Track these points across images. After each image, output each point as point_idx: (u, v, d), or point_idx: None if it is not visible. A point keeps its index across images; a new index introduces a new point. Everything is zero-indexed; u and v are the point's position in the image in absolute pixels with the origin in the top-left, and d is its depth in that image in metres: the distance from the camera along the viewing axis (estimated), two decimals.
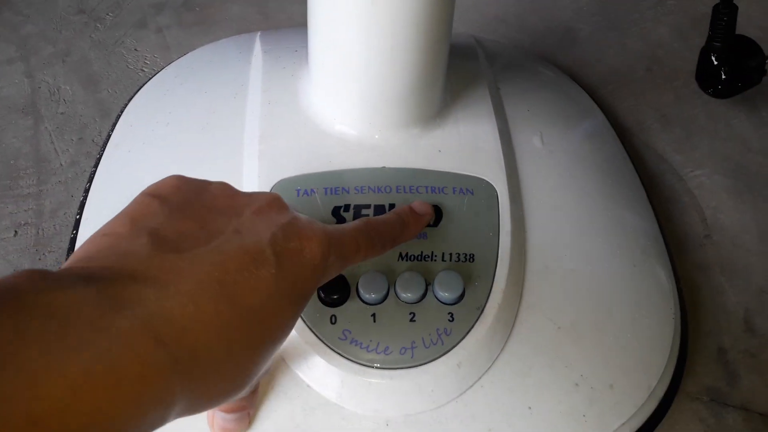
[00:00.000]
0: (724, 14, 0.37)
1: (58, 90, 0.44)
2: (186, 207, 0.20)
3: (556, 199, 0.33)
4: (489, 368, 0.27)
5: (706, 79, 0.39)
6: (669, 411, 0.29)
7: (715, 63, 0.38)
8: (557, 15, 0.51)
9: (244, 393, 0.21)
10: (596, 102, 0.43)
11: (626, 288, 0.31)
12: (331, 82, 0.31)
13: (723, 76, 0.38)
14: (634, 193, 0.36)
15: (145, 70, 0.45)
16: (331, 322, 0.27)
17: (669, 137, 0.43)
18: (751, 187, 0.40)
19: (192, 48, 0.45)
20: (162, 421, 0.16)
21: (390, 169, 0.31)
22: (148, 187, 0.21)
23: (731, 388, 0.32)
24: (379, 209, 0.30)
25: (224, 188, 0.22)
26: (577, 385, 0.28)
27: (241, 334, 0.18)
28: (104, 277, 0.16)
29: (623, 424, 0.28)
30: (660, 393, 0.29)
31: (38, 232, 0.36)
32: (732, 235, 0.38)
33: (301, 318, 0.27)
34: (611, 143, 0.39)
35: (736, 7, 0.37)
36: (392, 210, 0.28)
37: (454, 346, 0.27)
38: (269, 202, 0.21)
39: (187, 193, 0.21)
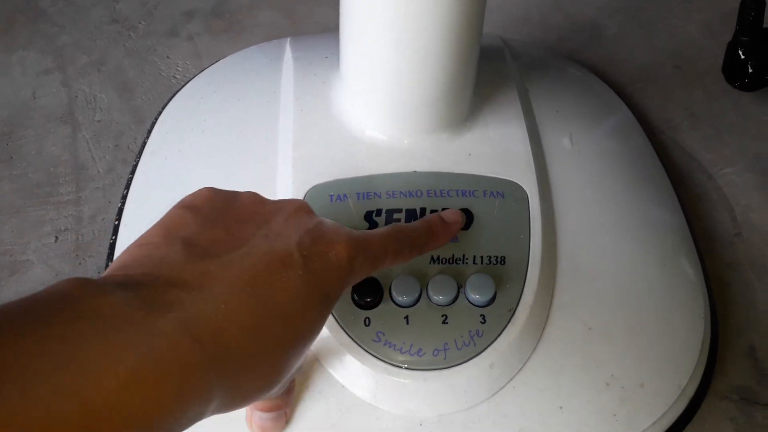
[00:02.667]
0: (752, 8, 0.36)
1: (94, 98, 0.45)
2: (217, 216, 0.21)
3: (586, 200, 0.33)
4: (521, 369, 0.28)
5: (732, 72, 0.39)
6: (699, 410, 0.29)
7: (743, 57, 0.38)
8: (582, 13, 0.51)
9: (277, 391, 0.21)
10: (624, 100, 0.43)
11: (656, 287, 0.31)
12: (362, 88, 0.32)
13: (750, 70, 0.38)
14: (663, 193, 0.36)
15: (178, 77, 0.46)
16: (365, 324, 0.28)
17: (698, 135, 0.42)
18: None
19: (222, 55, 0.46)
20: (200, 416, 0.17)
21: (421, 173, 0.32)
22: (182, 200, 0.22)
23: (761, 387, 0.32)
24: (411, 213, 0.30)
25: (253, 197, 0.23)
26: (607, 384, 0.28)
27: (272, 333, 0.19)
28: (143, 283, 0.17)
29: (654, 423, 0.28)
30: (690, 392, 0.29)
31: (78, 238, 0.38)
32: (763, 233, 0.37)
33: (336, 320, 0.28)
34: (640, 142, 0.39)
35: (764, 2, 0.37)
36: (422, 218, 0.28)
37: (486, 348, 0.27)
38: (297, 209, 0.22)
39: (217, 203, 0.22)
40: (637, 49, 0.48)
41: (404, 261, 0.25)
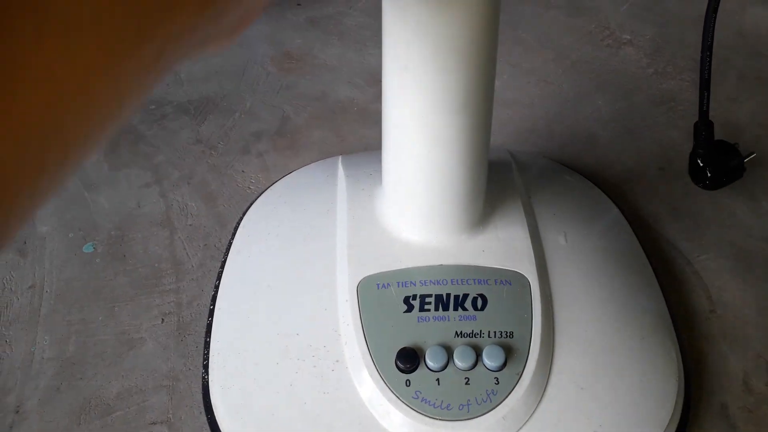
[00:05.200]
0: (703, 129, 0.47)
1: (186, 206, 0.56)
2: None
3: (578, 287, 0.42)
4: (527, 420, 0.36)
5: (696, 176, 0.49)
6: None
7: (701, 164, 0.47)
8: (580, 124, 0.61)
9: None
10: (615, 198, 0.52)
11: (637, 356, 0.39)
12: (399, 202, 0.42)
13: (709, 174, 0.47)
14: (645, 279, 0.45)
15: (252, 187, 0.58)
16: (406, 385, 0.36)
17: (679, 227, 0.51)
18: (751, 268, 0.48)
19: (286, 167, 0.57)
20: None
21: (446, 266, 0.41)
22: None
23: None
24: (439, 298, 0.40)
25: None
26: None
27: None
28: None
29: None
30: None
31: (179, 320, 0.48)
32: (734, 309, 0.45)
33: (384, 382, 0.37)
34: (626, 236, 0.48)
35: (712, 123, 0.47)
36: None
37: (499, 403, 0.36)
38: None
39: None
40: (626, 154, 0.57)
41: None
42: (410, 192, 0.41)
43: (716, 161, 0.48)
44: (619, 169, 0.56)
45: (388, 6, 0.35)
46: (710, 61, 0.47)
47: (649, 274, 0.45)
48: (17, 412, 0.43)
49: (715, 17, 0.45)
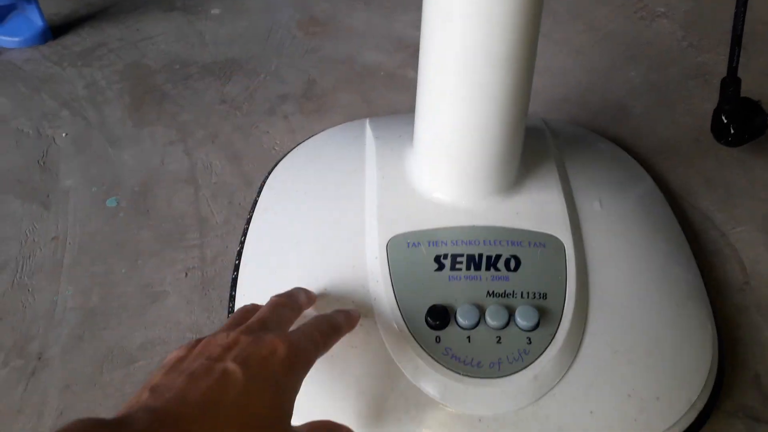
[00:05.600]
0: (730, 85, 0.46)
1: (210, 165, 0.56)
2: (178, 363, 0.28)
3: (612, 251, 0.41)
4: (559, 381, 0.35)
5: (718, 132, 0.48)
6: (708, 423, 0.36)
7: (725, 121, 0.46)
8: (613, 95, 0.60)
9: None
10: (648, 169, 0.51)
11: (671, 322, 0.38)
12: (432, 161, 0.41)
13: (732, 131, 0.46)
14: (678, 246, 0.44)
15: (276, 149, 0.57)
16: (436, 342, 0.36)
17: (713, 198, 0.50)
18: None
19: (312, 131, 0.56)
20: None
21: (478, 227, 0.40)
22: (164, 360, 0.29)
23: (764, 407, 0.38)
24: (470, 258, 0.39)
25: (210, 345, 0.29)
26: (629, 396, 0.35)
27: None
28: (115, 423, 0.23)
29: (667, 429, 0.35)
30: (699, 406, 0.36)
31: (203, 274, 0.47)
32: None
33: (414, 338, 0.36)
34: (659, 205, 0.47)
35: (740, 79, 0.46)
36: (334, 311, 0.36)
37: (531, 363, 0.35)
38: (240, 335, 0.29)
39: (181, 353, 0.29)
40: (660, 125, 0.56)
41: (332, 342, 0.33)
42: (445, 150, 0.40)
43: (740, 118, 0.47)
44: (653, 139, 0.55)
45: None
46: (744, 17, 0.46)
47: (683, 243, 0.44)
48: (40, 358, 0.43)
49: None
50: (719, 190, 0.50)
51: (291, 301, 0.35)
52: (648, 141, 0.55)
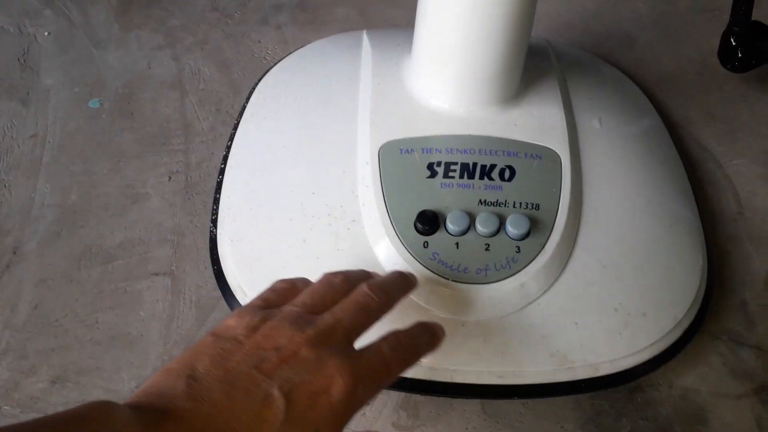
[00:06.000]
0: (742, 5, 0.44)
1: (198, 71, 0.54)
2: (227, 354, 0.24)
3: (608, 168, 0.40)
4: (546, 291, 0.35)
5: (725, 56, 0.46)
6: (691, 342, 0.36)
7: (734, 44, 0.45)
8: (618, 23, 0.58)
9: None
10: (649, 98, 0.49)
11: (662, 240, 0.38)
12: (431, 67, 0.40)
13: (739, 55, 0.45)
14: (675, 172, 0.43)
15: (267, 58, 0.55)
16: (424, 247, 0.35)
17: (713, 131, 0.49)
18: None
19: (306, 41, 0.54)
20: None
21: (474, 136, 0.39)
22: (214, 327, 0.26)
23: (749, 332, 0.38)
24: (465, 166, 0.38)
25: (276, 328, 0.25)
26: (615, 310, 0.35)
27: None
28: (144, 410, 0.22)
29: (651, 344, 0.34)
30: (685, 325, 0.36)
31: (187, 179, 0.46)
32: (763, 213, 0.44)
33: (401, 242, 0.35)
34: (659, 131, 0.45)
35: (753, 0, 0.44)
36: (416, 322, 0.30)
37: (519, 271, 0.34)
38: (304, 343, 0.24)
39: (239, 332, 0.25)
40: (665, 56, 0.54)
41: (403, 370, 0.27)
42: (444, 56, 0.38)
43: (749, 42, 0.45)
44: (656, 70, 0.53)
45: None
46: None
47: (680, 169, 0.43)
48: (14, 252, 0.42)
49: None
50: (720, 124, 0.49)
51: (380, 302, 0.28)
52: (651, 71, 0.53)
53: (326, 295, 0.28)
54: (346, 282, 0.29)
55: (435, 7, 0.37)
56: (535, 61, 0.43)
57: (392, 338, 0.27)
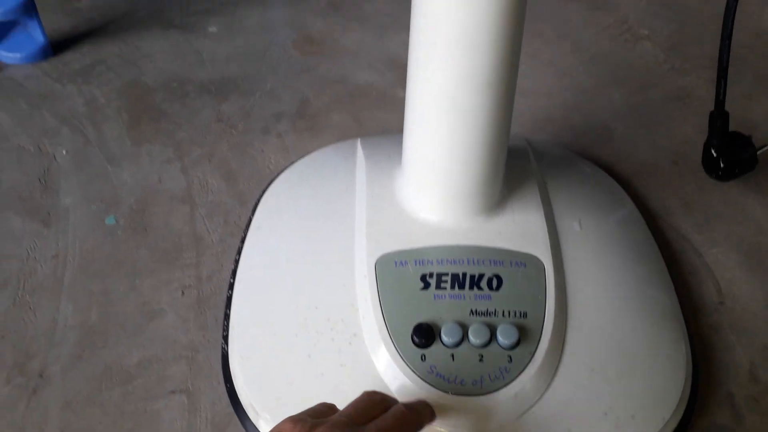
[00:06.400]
0: (718, 119, 0.47)
1: (206, 183, 0.57)
2: None
3: (591, 272, 0.43)
4: (539, 399, 0.37)
5: (709, 167, 0.50)
6: None
7: (715, 155, 0.48)
8: (595, 115, 0.62)
9: None
10: (629, 190, 0.53)
11: (646, 341, 0.40)
12: (419, 182, 0.43)
13: (722, 165, 0.48)
14: (656, 267, 0.46)
15: (270, 167, 0.58)
16: (422, 360, 0.38)
17: (691, 220, 0.52)
18: (761, 262, 0.48)
19: (305, 149, 0.58)
20: None
21: (463, 246, 0.42)
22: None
23: (737, 425, 0.40)
24: (455, 277, 0.40)
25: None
26: (605, 414, 0.37)
27: None
28: None
29: None
30: (673, 424, 0.38)
31: (199, 293, 0.49)
32: (742, 302, 0.46)
33: (400, 356, 0.38)
34: (638, 226, 0.49)
35: (728, 114, 0.47)
36: (416, 401, 0.36)
37: (512, 381, 0.37)
38: None
39: None
40: (641, 147, 0.58)
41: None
42: (431, 171, 0.42)
43: (730, 152, 0.49)
44: (633, 161, 0.57)
45: None
46: (729, 50, 0.47)
47: (660, 264, 0.46)
48: (41, 376, 0.44)
49: (736, 5, 0.46)
50: (697, 213, 0.52)
51: (415, 421, 0.33)
52: (629, 162, 0.57)
53: (368, 408, 0.33)
54: (384, 401, 0.34)
55: (416, 131, 0.41)
56: (516, 165, 0.47)
57: (400, 418, 0.32)
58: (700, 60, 0.69)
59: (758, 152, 0.50)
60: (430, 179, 0.42)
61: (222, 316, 0.46)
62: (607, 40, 0.73)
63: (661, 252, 0.48)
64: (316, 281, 0.43)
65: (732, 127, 0.51)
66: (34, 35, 0.72)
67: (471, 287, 0.40)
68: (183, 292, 0.49)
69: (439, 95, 0.38)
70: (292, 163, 0.56)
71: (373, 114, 0.63)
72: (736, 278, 0.47)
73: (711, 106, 0.61)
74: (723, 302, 0.46)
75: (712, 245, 0.50)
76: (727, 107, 0.50)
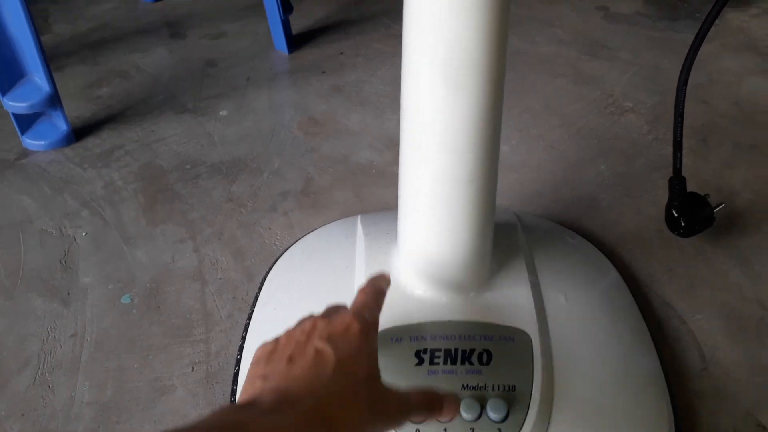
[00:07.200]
0: (676, 183, 0.52)
1: (216, 261, 0.61)
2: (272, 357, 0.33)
3: (577, 343, 0.45)
4: None
5: (671, 225, 0.54)
6: None
7: (676, 215, 0.52)
8: (584, 187, 0.65)
9: None
10: (614, 259, 0.55)
11: (630, 410, 0.42)
12: (413, 263, 0.46)
13: (683, 224, 0.52)
14: (640, 336, 0.48)
15: (277, 244, 0.62)
16: None
17: (675, 287, 0.54)
18: (743, 328, 0.51)
19: (310, 225, 0.62)
20: None
21: (455, 321, 0.45)
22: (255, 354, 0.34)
23: None
24: (447, 352, 0.43)
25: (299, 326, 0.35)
26: None
27: None
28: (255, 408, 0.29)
29: None
30: None
31: (208, 369, 0.52)
32: (726, 368, 0.48)
33: (395, 430, 0.40)
34: (622, 296, 0.51)
35: (684, 178, 0.51)
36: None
37: None
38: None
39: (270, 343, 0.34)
40: (626, 216, 0.61)
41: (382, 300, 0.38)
42: (423, 254, 0.45)
43: (689, 212, 0.53)
44: (619, 230, 0.60)
45: (405, 94, 0.40)
46: (682, 127, 0.52)
47: (645, 332, 0.49)
48: None
49: (685, 89, 0.51)
50: (681, 279, 0.55)
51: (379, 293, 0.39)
52: (614, 231, 0.60)
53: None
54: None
55: (408, 218, 0.45)
56: (505, 242, 0.50)
57: (361, 292, 0.39)
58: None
59: (715, 210, 0.54)
60: (423, 261, 0.46)
61: (230, 391, 0.48)
62: (594, 113, 0.77)
63: (646, 319, 0.50)
64: None
65: (711, 194, 0.55)
66: (58, 124, 0.77)
67: (462, 362, 0.43)
68: (193, 368, 0.52)
69: (426, 190, 0.42)
70: (297, 240, 0.59)
71: (373, 191, 0.68)
72: (719, 344, 0.50)
73: (692, 174, 0.64)
74: (706, 368, 0.48)
75: (695, 311, 0.52)
76: (705, 173, 0.54)
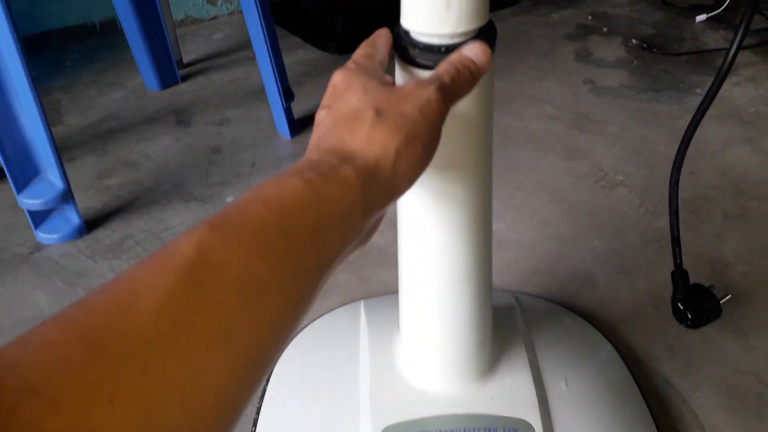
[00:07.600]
0: (678, 277, 0.53)
1: None
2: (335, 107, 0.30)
3: (579, 428, 0.46)
4: None
5: (678, 317, 0.55)
6: None
7: (681, 308, 0.53)
8: (579, 264, 0.67)
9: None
10: (613, 338, 0.57)
11: None
12: (416, 358, 0.48)
13: (689, 316, 0.53)
14: (641, 417, 0.49)
15: None
16: None
17: (674, 364, 0.55)
18: (743, 403, 0.51)
19: (315, 311, 0.64)
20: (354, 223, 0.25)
21: (458, 415, 0.46)
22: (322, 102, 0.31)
23: None
24: None
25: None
26: None
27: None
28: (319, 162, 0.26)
29: None
30: None
31: None
32: None
33: None
34: (622, 377, 0.52)
35: (687, 272, 0.53)
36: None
37: None
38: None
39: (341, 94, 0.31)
40: (622, 293, 0.63)
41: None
42: (425, 349, 0.47)
43: (695, 304, 0.54)
44: (616, 307, 0.61)
45: (401, 207, 0.43)
46: (677, 223, 0.54)
47: (646, 414, 0.49)
48: None
49: (677, 188, 0.53)
50: (679, 356, 0.56)
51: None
52: (612, 309, 0.61)
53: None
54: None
55: (409, 317, 0.46)
56: (505, 327, 0.51)
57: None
58: None
59: (721, 302, 0.55)
60: (426, 356, 0.47)
61: None
62: (585, 187, 0.80)
63: (647, 399, 0.51)
64: None
65: (705, 267, 0.57)
66: (70, 217, 0.80)
67: None
68: None
69: (425, 291, 0.44)
70: (303, 328, 0.61)
71: (375, 272, 0.70)
72: (720, 422, 0.50)
73: (685, 247, 0.66)
74: None
75: (695, 389, 0.53)
76: (697, 244, 0.56)
